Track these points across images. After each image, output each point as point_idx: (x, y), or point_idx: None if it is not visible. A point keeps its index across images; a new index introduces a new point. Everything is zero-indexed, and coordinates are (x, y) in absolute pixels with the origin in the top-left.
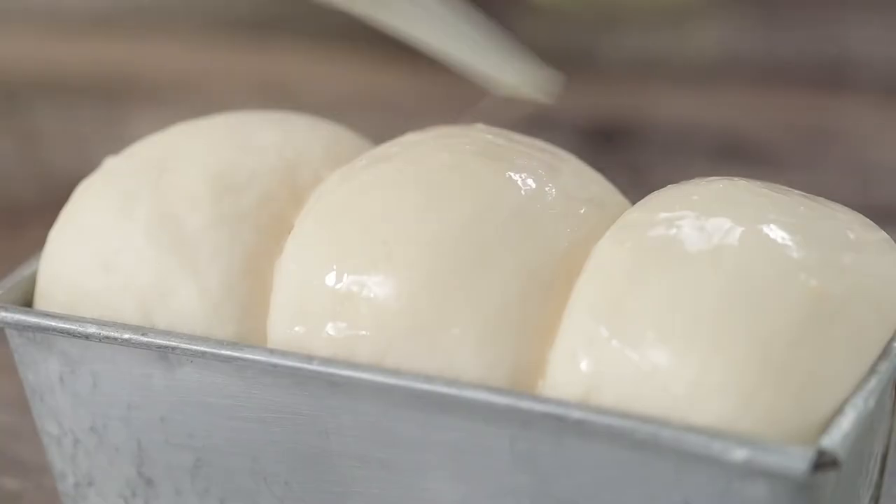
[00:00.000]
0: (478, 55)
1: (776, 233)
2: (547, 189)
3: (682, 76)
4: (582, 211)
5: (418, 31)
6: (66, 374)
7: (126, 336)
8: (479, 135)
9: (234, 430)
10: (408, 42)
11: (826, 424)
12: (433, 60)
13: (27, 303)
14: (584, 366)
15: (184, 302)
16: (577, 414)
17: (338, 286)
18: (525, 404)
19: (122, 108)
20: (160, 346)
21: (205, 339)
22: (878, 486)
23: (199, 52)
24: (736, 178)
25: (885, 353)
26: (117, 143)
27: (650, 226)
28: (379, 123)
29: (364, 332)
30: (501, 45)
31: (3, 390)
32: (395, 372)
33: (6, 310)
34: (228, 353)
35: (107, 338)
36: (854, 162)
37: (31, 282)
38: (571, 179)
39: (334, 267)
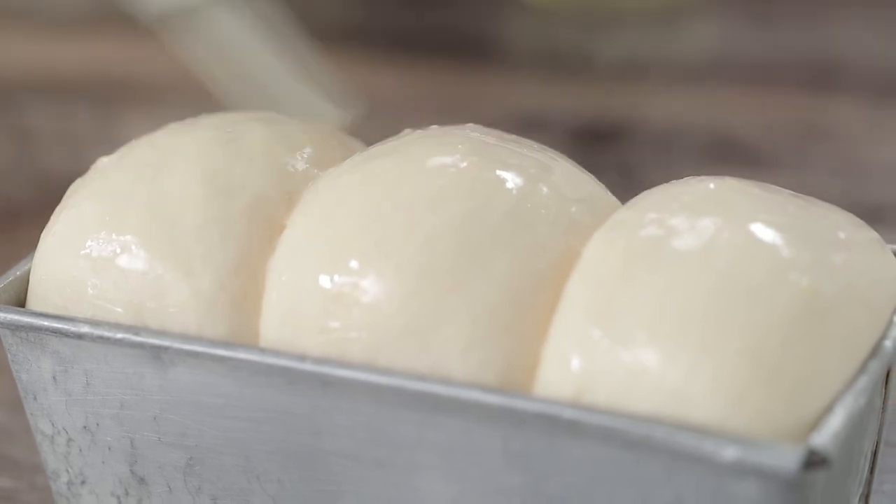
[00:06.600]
0: (281, 83)
1: (767, 232)
2: (538, 189)
3: (673, 76)
4: (573, 210)
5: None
6: (59, 374)
7: (119, 336)
8: (471, 135)
9: (226, 430)
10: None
11: (816, 423)
12: (424, 61)
13: (20, 303)
14: (575, 365)
15: (176, 302)
16: (569, 413)
17: (330, 286)
18: (517, 404)
19: (115, 108)
20: (153, 346)
21: (197, 339)
22: (869, 483)
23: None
24: (726, 178)
25: (875, 352)
26: (111, 144)
27: (641, 225)
28: (370, 123)
29: (356, 332)
30: (309, 77)
31: None
32: (388, 371)
33: None
34: (221, 352)
35: (100, 337)
36: (844, 161)
37: (24, 282)
38: (563, 179)
39: (326, 267)
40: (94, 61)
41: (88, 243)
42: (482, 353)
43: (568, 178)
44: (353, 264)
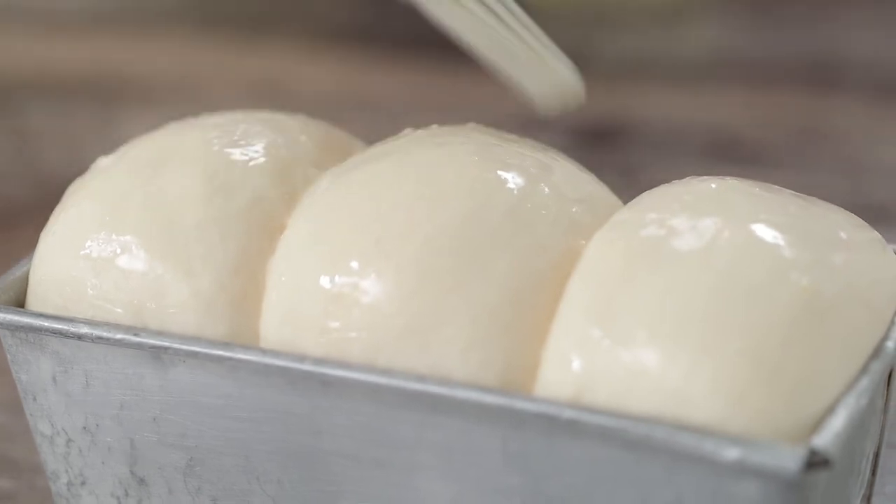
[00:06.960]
0: (513, 57)
1: (767, 232)
2: (539, 189)
3: (675, 76)
4: (574, 210)
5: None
6: (58, 374)
7: (118, 336)
8: (472, 134)
9: (226, 430)
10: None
11: (818, 424)
12: (425, 60)
13: (20, 303)
14: (575, 365)
15: (176, 302)
16: (568, 413)
17: (330, 286)
18: (517, 404)
19: (114, 108)
20: (152, 347)
21: (197, 340)
22: (871, 484)
23: (191, 53)
24: (728, 178)
25: (876, 353)
26: (110, 143)
27: (642, 225)
28: (370, 123)
29: (356, 332)
30: (538, 50)
31: None
32: (388, 372)
33: None
34: (221, 353)
35: (99, 338)
36: (846, 161)
37: (24, 282)
38: (564, 179)
39: (327, 267)
40: (94, 61)
41: (88, 243)
42: (482, 353)
43: (568, 178)
44: (353, 264)
